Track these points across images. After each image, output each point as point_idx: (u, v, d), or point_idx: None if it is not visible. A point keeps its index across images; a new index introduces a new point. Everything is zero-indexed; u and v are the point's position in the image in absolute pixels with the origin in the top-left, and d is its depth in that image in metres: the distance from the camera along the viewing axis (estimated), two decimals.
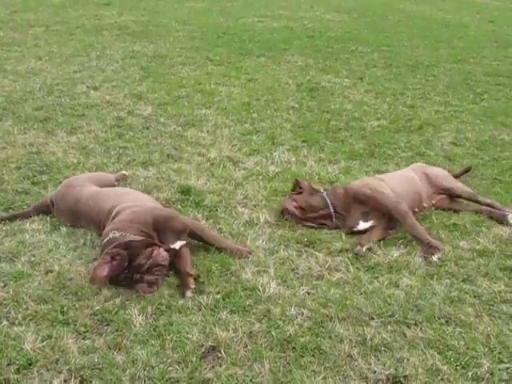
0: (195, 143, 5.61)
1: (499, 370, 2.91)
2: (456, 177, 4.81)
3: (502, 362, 2.97)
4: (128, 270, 3.40)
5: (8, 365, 2.83)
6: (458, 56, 9.36)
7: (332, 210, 4.23)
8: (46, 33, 9.67)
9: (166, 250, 3.55)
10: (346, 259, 3.83)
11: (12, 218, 4.16)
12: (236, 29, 10.64)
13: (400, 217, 4.09)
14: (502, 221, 4.29)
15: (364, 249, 3.90)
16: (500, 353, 3.03)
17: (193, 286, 3.49)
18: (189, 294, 3.45)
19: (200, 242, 3.91)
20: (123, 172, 4.87)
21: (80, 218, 4.03)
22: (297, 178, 4.84)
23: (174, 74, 7.78)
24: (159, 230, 3.70)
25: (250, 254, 3.83)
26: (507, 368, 2.92)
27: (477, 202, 4.54)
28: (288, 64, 8.50)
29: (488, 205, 4.49)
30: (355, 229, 4.18)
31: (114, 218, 3.76)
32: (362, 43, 9.92)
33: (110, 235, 3.53)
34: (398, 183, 4.44)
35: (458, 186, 4.64)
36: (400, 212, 4.09)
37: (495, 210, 4.41)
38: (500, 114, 6.69)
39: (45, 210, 4.23)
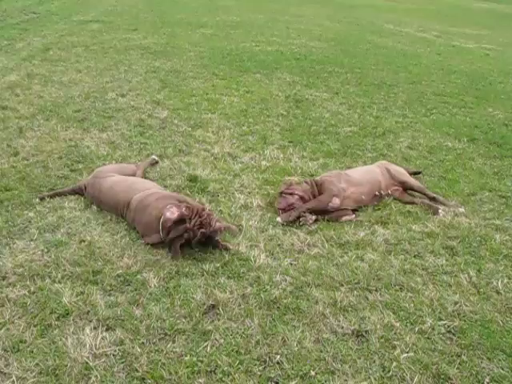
0: (202, 141, 5.54)
1: (439, 325, 2.95)
2: (409, 174, 4.79)
3: (441, 319, 3.01)
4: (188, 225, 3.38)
5: (50, 313, 2.85)
6: (413, 79, 9.30)
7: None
8: (86, 52, 9.54)
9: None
10: (322, 237, 3.80)
11: (53, 196, 4.11)
12: (237, 51, 10.53)
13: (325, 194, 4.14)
14: (435, 213, 4.25)
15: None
16: (440, 312, 3.06)
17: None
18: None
19: None
20: (153, 157, 4.86)
21: (102, 204, 3.96)
22: (284, 171, 4.82)
23: (186, 85, 7.67)
24: None
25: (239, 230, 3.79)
26: (444, 324, 2.96)
27: (424, 194, 4.52)
28: (278, 80, 8.41)
29: (433, 197, 4.48)
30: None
31: (138, 208, 3.66)
32: (338, 65, 9.84)
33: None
34: (359, 174, 4.47)
35: (412, 180, 4.63)
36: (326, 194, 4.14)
37: (432, 203, 4.36)
38: (445, 126, 6.66)
39: (79, 192, 4.17)
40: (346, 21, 17.43)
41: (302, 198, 4.12)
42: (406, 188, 4.54)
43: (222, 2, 19.54)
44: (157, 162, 4.84)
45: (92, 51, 9.62)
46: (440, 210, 4.25)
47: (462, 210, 4.35)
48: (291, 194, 4.12)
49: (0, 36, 10.44)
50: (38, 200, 4.03)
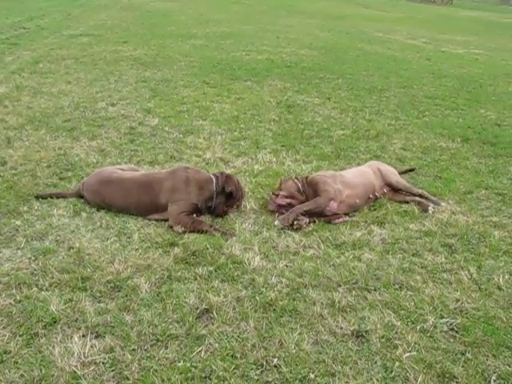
0: (193, 147, 5.44)
1: (440, 323, 2.85)
2: (401, 173, 4.71)
3: (442, 317, 2.91)
4: None
5: (37, 322, 2.72)
6: (404, 83, 9.30)
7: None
8: (75, 64, 9.46)
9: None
10: (318, 239, 3.69)
11: (51, 196, 4.12)
12: (228, 60, 10.50)
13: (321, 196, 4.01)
14: (425, 210, 4.18)
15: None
16: (441, 310, 2.97)
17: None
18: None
19: None
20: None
21: (109, 193, 3.94)
22: (277, 174, 4.72)
23: (176, 94, 7.60)
24: None
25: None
26: (446, 322, 2.87)
27: (411, 193, 4.41)
28: (270, 87, 8.36)
29: (419, 194, 4.39)
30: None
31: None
32: (329, 72, 9.82)
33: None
34: (354, 176, 4.35)
35: (400, 181, 4.51)
36: (324, 197, 4.00)
37: (423, 200, 4.30)
38: (438, 127, 6.62)
39: (81, 194, 4.13)
40: (335, 30, 17.52)
41: (292, 198, 4.03)
42: (394, 189, 4.45)
43: (212, 16, 19.61)
44: None
45: (82, 63, 9.54)
46: (430, 208, 4.17)
47: (443, 204, 4.32)
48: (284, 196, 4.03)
49: None
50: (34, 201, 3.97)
